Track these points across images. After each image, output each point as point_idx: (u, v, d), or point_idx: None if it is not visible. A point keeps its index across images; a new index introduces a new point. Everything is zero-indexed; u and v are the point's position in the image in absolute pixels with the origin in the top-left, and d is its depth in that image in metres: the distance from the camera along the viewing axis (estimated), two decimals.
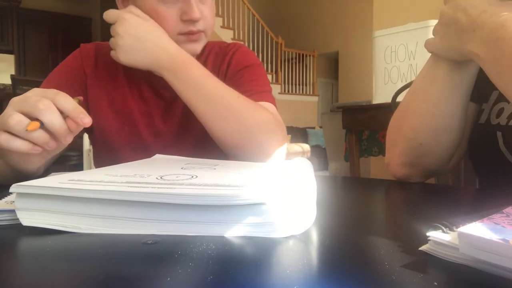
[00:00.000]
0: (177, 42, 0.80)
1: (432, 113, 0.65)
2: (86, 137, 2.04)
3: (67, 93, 0.72)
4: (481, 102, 0.72)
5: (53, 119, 0.52)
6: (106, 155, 0.89)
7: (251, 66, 0.92)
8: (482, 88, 0.70)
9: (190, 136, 0.88)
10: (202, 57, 0.92)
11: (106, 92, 0.86)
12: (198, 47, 0.83)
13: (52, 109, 0.52)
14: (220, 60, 0.93)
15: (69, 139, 0.55)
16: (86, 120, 0.54)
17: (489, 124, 0.68)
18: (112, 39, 0.75)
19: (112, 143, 0.86)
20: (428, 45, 0.66)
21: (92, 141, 0.93)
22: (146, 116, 0.87)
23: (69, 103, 0.54)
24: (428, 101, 0.66)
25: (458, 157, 0.73)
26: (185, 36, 0.80)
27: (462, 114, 0.66)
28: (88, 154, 2.01)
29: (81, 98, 0.62)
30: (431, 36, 0.66)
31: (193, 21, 0.78)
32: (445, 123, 0.65)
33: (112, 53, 0.76)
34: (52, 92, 0.55)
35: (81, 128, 0.55)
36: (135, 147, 0.86)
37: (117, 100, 0.86)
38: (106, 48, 0.86)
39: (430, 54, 0.69)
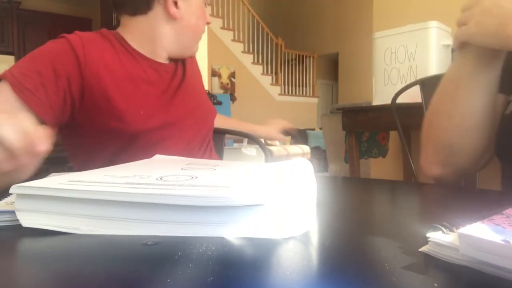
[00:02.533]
0: (192, 47, 1.01)
1: (460, 113, 0.67)
2: None
3: (52, 88, 0.77)
4: (510, 93, 0.73)
5: (7, 134, 0.46)
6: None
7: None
8: (508, 81, 0.71)
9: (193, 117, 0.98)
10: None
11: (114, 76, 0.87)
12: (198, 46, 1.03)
13: (9, 124, 0.46)
14: None
15: (26, 160, 0.47)
16: (41, 147, 0.47)
17: None
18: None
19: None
20: (459, 36, 0.65)
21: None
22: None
23: (29, 123, 0.47)
24: (456, 102, 0.67)
25: (489, 155, 0.73)
26: (203, 34, 1.00)
27: (491, 110, 0.67)
28: None
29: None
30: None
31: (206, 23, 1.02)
32: (474, 121, 0.67)
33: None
34: (16, 112, 0.51)
35: (39, 155, 0.48)
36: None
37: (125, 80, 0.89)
38: (90, 35, 0.89)
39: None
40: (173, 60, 1.02)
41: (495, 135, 0.73)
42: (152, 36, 0.95)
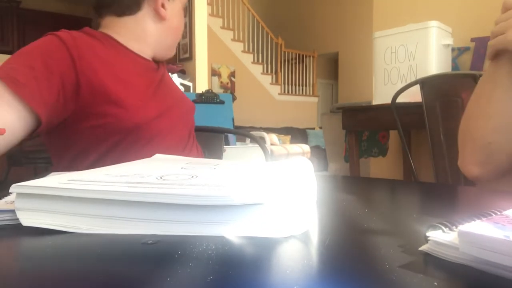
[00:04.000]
0: (172, 48, 1.04)
1: (498, 112, 0.69)
2: None
3: (48, 85, 0.77)
4: None
5: None
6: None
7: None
8: None
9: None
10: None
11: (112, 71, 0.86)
12: None
13: None
14: None
15: None
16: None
17: None
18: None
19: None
20: (496, 44, 0.68)
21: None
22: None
23: None
24: (493, 102, 0.69)
25: None
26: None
27: None
28: None
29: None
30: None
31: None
32: (510, 123, 0.68)
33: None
34: None
35: None
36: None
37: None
38: (77, 32, 0.88)
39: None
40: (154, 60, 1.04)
41: None
42: (140, 36, 0.97)
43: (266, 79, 7.73)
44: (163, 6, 0.97)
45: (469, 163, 0.74)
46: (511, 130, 0.69)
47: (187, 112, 1.05)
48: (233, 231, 0.32)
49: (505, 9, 0.67)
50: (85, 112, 0.82)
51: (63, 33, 0.84)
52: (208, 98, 4.10)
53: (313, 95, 8.69)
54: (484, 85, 0.72)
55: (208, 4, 5.48)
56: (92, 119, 0.82)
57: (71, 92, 0.80)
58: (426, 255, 0.28)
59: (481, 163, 0.72)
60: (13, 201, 0.36)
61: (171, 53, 1.05)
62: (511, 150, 0.70)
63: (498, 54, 0.70)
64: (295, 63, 8.42)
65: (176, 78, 3.66)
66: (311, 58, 8.69)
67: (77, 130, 0.84)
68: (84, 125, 0.83)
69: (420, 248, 0.29)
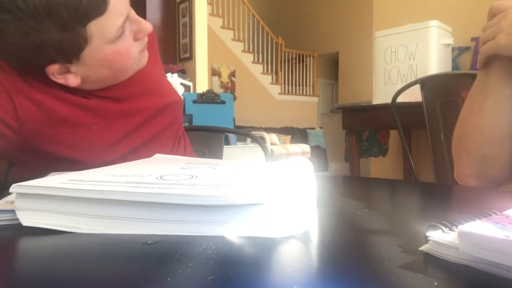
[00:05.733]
0: (136, 64, 0.77)
1: (490, 125, 0.68)
2: None
3: None
4: None
5: None
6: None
7: None
8: None
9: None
10: None
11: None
12: (147, 52, 0.81)
13: None
14: None
15: None
16: None
17: None
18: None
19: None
20: (487, 50, 0.67)
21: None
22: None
23: None
24: (485, 115, 0.69)
25: None
26: (142, 52, 0.77)
27: None
28: None
29: None
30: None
31: (147, 33, 0.76)
32: (504, 133, 0.68)
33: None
34: None
35: None
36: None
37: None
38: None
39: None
40: None
41: None
42: None
43: (266, 79, 7.73)
44: (70, 71, 0.72)
45: (466, 175, 0.74)
46: (504, 142, 0.68)
47: (170, 106, 0.91)
48: (233, 231, 0.32)
49: (492, 15, 0.67)
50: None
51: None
52: (209, 98, 4.10)
53: (313, 95, 8.69)
54: (475, 97, 0.72)
55: (208, 3, 5.48)
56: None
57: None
58: (426, 255, 0.28)
59: (477, 175, 0.72)
60: (13, 201, 0.36)
61: (129, 74, 0.81)
62: (506, 161, 0.70)
63: (488, 62, 0.69)
64: (295, 63, 8.43)
65: (176, 78, 3.66)
66: (311, 58, 8.69)
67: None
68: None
69: (420, 248, 0.29)
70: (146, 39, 0.78)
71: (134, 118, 0.84)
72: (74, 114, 0.76)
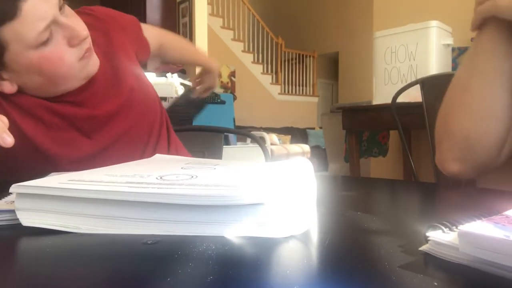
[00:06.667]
0: (80, 70, 0.76)
1: (476, 104, 0.65)
2: None
3: None
4: None
5: None
6: None
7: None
8: None
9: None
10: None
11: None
12: (97, 59, 0.80)
13: None
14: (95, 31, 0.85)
15: None
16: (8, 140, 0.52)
17: None
18: None
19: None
20: (482, 11, 0.63)
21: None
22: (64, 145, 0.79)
23: None
24: (471, 93, 0.65)
25: (509, 150, 0.71)
26: (83, 60, 0.75)
27: (507, 103, 0.65)
28: None
29: None
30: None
31: (83, 39, 0.74)
32: (490, 112, 0.64)
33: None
34: None
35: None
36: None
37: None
38: None
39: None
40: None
41: None
42: None
43: (266, 79, 7.73)
44: (2, 78, 0.72)
45: (448, 159, 0.69)
46: (489, 122, 0.65)
47: (143, 113, 0.90)
48: (233, 231, 0.32)
49: None
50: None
51: None
52: (209, 98, 4.09)
53: (313, 95, 8.69)
54: (462, 73, 0.67)
55: (208, 3, 5.48)
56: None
57: None
58: (426, 255, 0.28)
59: (460, 158, 0.67)
60: (13, 201, 0.36)
61: (71, 85, 0.79)
62: (490, 144, 0.66)
63: (483, 24, 0.64)
64: (295, 63, 8.42)
65: (176, 78, 3.66)
66: (311, 58, 8.69)
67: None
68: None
69: (420, 248, 0.29)
70: (86, 46, 0.75)
71: (98, 119, 0.83)
72: (48, 117, 0.77)
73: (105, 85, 0.85)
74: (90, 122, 0.82)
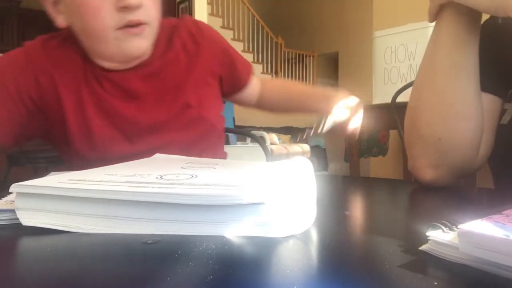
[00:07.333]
0: (116, 41, 0.73)
1: (443, 102, 0.61)
2: None
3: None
4: (503, 97, 0.68)
5: None
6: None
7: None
8: (503, 83, 0.67)
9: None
10: (173, 51, 0.85)
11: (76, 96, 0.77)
12: (142, 43, 0.76)
13: None
14: (192, 43, 0.87)
15: None
16: None
17: None
18: None
19: (103, 154, 0.77)
20: None
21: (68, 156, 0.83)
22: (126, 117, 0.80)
23: None
24: (436, 91, 0.61)
25: (485, 152, 0.68)
26: (123, 31, 0.72)
27: (476, 100, 0.61)
28: None
29: None
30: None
31: (131, 9, 0.70)
32: (459, 110, 0.61)
33: None
34: None
35: None
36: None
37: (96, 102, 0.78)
38: (57, 42, 0.79)
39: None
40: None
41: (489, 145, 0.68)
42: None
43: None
44: (59, 10, 0.75)
45: (421, 166, 0.64)
46: (459, 121, 0.61)
47: (197, 135, 0.85)
48: (233, 230, 0.32)
49: None
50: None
51: (35, 44, 0.79)
52: None
53: None
54: (425, 72, 0.63)
55: (208, 3, 5.47)
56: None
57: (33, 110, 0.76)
58: (426, 255, 0.28)
59: (434, 165, 0.63)
60: (13, 201, 0.36)
61: (107, 56, 0.78)
62: (463, 146, 0.62)
63: (441, 13, 0.60)
64: (295, 63, 8.42)
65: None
66: (311, 58, 8.69)
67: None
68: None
69: (420, 248, 0.29)
70: (134, 18, 0.71)
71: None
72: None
73: (163, 87, 0.83)
74: (132, 127, 0.80)
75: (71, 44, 0.79)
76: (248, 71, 1.00)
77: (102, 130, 0.78)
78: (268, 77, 7.76)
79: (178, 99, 0.84)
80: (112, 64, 0.79)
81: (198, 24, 0.91)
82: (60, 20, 0.75)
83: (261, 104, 1.07)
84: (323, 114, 0.93)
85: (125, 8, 0.70)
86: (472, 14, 0.58)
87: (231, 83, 0.96)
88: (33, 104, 0.75)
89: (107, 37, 0.73)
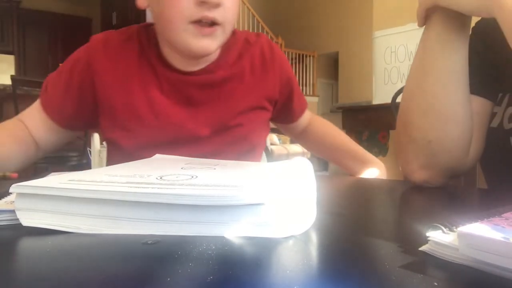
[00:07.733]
0: (185, 34, 0.72)
1: (433, 105, 0.62)
2: (95, 136, 1.99)
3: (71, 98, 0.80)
4: (493, 100, 0.69)
5: None
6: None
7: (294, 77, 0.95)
8: (493, 86, 0.68)
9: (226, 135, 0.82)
10: (240, 66, 0.84)
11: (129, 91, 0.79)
12: (211, 44, 0.74)
13: None
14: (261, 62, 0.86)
15: None
16: None
17: (502, 128, 0.66)
18: None
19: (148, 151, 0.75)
20: (424, 2, 0.59)
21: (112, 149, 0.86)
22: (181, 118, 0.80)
23: None
24: (426, 94, 0.63)
25: (475, 153, 0.69)
26: (195, 26, 0.71)
27: (465, 101, 0.63)
28: (99, 155, 1.94)
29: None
30: None
31: (210, 5, 0.69)
32: (449, 113, 0.62)
33: None
34: None
35: None
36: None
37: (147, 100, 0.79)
38: (118, 37, 0.82)
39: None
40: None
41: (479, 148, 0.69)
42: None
43: None
44: None
45: (413, 168, 0.66)
46: (449, 124, 0.62)
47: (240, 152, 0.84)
48: (233, 231, 0.32)
49: None
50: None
51: (99, 37, 0.83)
52: None
53: (313, 95, 8.68)
54: (415, 75, 0.64)
55: None
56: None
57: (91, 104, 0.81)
58: (426, 256, 0.28)
59: (425, 166, 0.64)
60: (13, 201, 0.36)
61: (179, 44, 0.76)
62: (454, 147, 0.63)
63: (429, 17, 0.61)
64: (295, 63, 8.42)
65: None
66: (311, 57, 8.69)
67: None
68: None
69: (420, 249, 0.29)
70: (209, 14, 0.71)
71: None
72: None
73: (220, 100, 0.82)
74: (177, 133, 0.80)
75: (132, 43, 0.81)
76: (303, 109, 1.00)
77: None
78: None
79: (231, 116, 0.83)
80: (176, 57, 0.79)
81: (272, 46, 0.90)
82: (141, 1, 0.76)
83: (299, 140, 1.10)
84: (350, 173, 0.97)
85: (204, 3, 0.69)
86: (461, 18, 0.59)
87: (282, 113, 0.96)
88: (92, 100, 0.80)
89: (178, 27, 0.72)
